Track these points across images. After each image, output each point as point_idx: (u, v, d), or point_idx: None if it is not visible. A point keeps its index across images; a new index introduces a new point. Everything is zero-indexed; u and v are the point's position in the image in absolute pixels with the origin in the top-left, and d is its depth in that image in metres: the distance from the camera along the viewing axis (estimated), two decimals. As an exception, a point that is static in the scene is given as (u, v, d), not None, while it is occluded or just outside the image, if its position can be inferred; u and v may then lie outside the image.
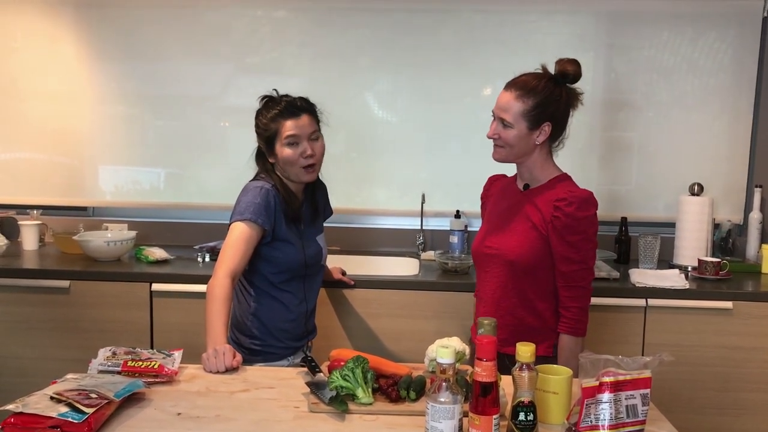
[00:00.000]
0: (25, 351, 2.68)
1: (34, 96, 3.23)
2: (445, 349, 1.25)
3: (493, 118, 1.92)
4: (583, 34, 3.13)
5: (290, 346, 2.08)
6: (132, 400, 1.47)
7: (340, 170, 3.15)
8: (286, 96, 2.03)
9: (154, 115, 3.26)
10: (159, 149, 3.26)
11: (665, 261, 2.98)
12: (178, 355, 1.69)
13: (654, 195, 3.19)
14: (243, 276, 2.02)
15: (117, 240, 2.81)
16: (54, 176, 3.28)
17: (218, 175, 3.23)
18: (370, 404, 1.49)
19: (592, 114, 3.14)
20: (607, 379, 1.30)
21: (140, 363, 1.61)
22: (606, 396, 1.30)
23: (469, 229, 3.10)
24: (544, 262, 1.88)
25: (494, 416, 1.24)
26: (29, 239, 3.03)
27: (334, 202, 2.30)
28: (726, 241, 3.09)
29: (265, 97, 2.05)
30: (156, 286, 2.63)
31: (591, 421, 1.30)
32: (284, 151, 1.98)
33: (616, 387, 1.30)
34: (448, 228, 3.11)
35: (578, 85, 1.93)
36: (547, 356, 1.87)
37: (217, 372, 1.67)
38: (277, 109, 1.98)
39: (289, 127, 1.97)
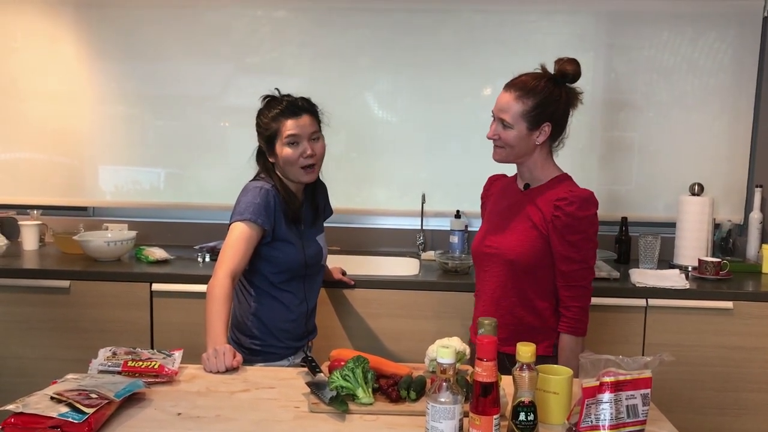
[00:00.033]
0: (25, 351, 2.68)
1: (34, 96, 3.23)
2: (446, 349, 1.24)
3: (492, 119, 1.92)
4: (583, 34, 3.13)
5: (290, 346, 2.08)
6: (132, 400, 1.47)
7: (341, 170, 3.15)
8: (288, 96, 2.03)
9: (154, 115, 3.26)
10: (159, 149, 3.26)
11: (665, 261, 2.98)
12: (178, 355, 1.69)
13: (654, 195, 3.19)
14: (243, 276, 2.02)
15: (117, 240, 2.81)
16: (54, 176, 3.28)
17: (218, 175, 3.23)
18: (371, 404, 1.49)
19: (593, 114, 3.14)
20: (607, 379, 1.30)
21: (140, 363, 1.61)
22: (606, 396, 1.29)
23: (469, 229, 3.10)
24: (544, 261, 1.88)
25: (495, 416, 1.24)
26: (29, 239, 3.03)
27: (334, 202, 2.29)
28: (726, 241, 3.09)
29: (267, 96, 2.05)
30: (156, 286, 2.63)
31: (591, 421, 1.30)
32: (284, 151, 1.97)
33: (617, 387, 1.30)
34: (449, 228, 3.11)
35: (578, 85, 1.93)
36: (546, 356, 1.87)
37: (218, 372, 1.67)
38: (278, 109, 1.98)
39: (289, 126, 1.97)
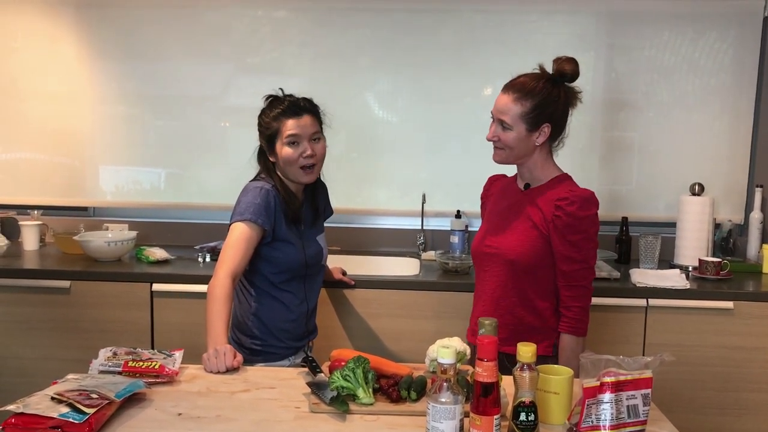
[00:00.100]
0: (25, 351, 2.68)
1: (34, 96, 3.23)
2: (446, 350, 1.24)
3: (492, 120, 1.92)
4: (583, 34, 3.13)
5: (291, 346, 2.08)
6: (133, 400, 1.47)
7: (341, 170, 3.15)
8: (290, 96, 2.03)
9: (155, 115, 3.26)
10: (159, 149, 3.26)
11: (666, 261, 2.98)
12: (178, 355, 1.69)
13: (655, 195, 3.19)
14: (244, 276, 2.02)
15: (117, 240, 2.81)
16: (54, 176, 3.28)
17: (218, 175, 3.23)
18: (371, 404, 1.49)
19: (593, 114, 3.14)
20: (608, 379, 1.30)
21: (141, 363, 1.61)
22: (607, 396, 1.29)
23: (469, 229, 3.10)
24: (545, 261, 1.88)
25: (495, 416, 1.24)
26: (30, 239, 3.03)
27: (335, 202, 2.29)
28: (727, 241, 3.08)
29: (269, 96, 2.05)
30: (156, 287, 2.63)
31: (592, 422, 1.30)
32: (284, 150, 1.98)
33: (617, 387, 1.30)
34: (449, 228, 3.11)
35: (578, 85, 1.92)
36: (546, 356, 1.87)
37: (218, 372, 1.67)
38: (280, 108, 1.99)
39: (290, 126, 1.97)
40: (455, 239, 3.07)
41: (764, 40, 3.08)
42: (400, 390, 1.52)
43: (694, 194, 2.93)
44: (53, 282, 2.65)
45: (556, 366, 1.48)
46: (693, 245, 2.90)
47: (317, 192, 2.17)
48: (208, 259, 2.86)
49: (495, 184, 2.13)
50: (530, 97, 1.85)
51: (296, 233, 2.05)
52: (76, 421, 1.28)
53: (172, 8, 3.17)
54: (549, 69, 1.90)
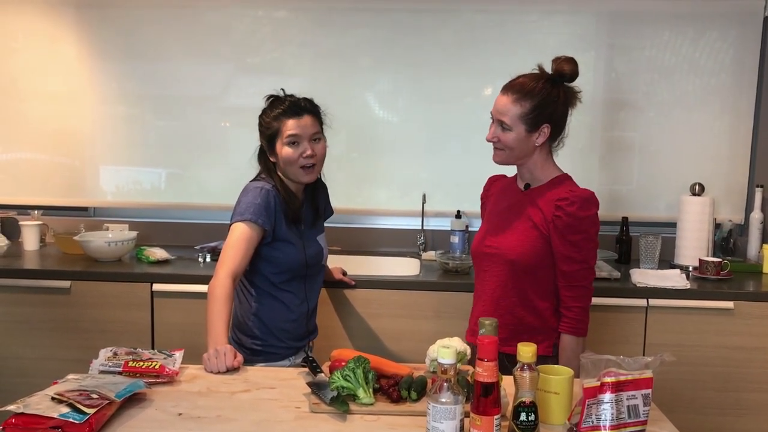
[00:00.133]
0: (25, 351, 2.68)
1: (34, 96, 3.23)
2: (447, 350, 1.24)
3: (491, 121, 1.92)
4: (583, 34, 3.13)
5: (291, 346, 2.08)
6: (133, 400, 1.47)
7: (341, 170, 3.15)
8: (291, 96, 2.03)
9: (155, 115, 3.26)
10: (160, 149, 3.26)
11: (666, 261, 2.98)
12: (179, 355, 1.69)
13: (655, 195, 3.19)
14: (244, 276, 2.02)
15: (118, 240, 2.81)
16: (55, 176, 3.28)
17: (219, 175, 3.23)
18: (372, 405, 1.49)
19: (593, 114, 3.14)
20: (608, 379, 1.30)
21: (141, 363, 1.61)
22: (607, 396, 1.29)
23: (470, 229, 3.10)
24: (545, 261, 1.88)
25: (495, 416, 1.24)
26: (30, 239, 3.03)
27: (335, 202, 2.29)
28: (727, 241, 3.08)
29: (271, 96, 2.05)
30: (157, 287, 2.63)
31: (592, 422, 1.30)
32: (284, 150, 1.98)
33: (618, 387, 1.30)
34: (449, 228, 3.11)
35: (578, 85, 1.92)
36: (546, 356, 1.87)
37: (218, 372, 1.67)
38: (280, 108, 1.99)
39: (290, 126, 1.97)
40: (455, 239, 3.07)
41: (764, 40, 3.08)
42: (400, 390, 1.52)
43: (694, 194, 2.93)
44: (53, 282, 2.65)
45: (556, 366, 1.48)
46: (693, 245, 2.90)
47: (317, 192, 2.17)
48: (208, 259, 2.86)
49: (495, 184, 2.13)
50: (529, 97, 1.85)
51: (296, 233, 2.05)
52: (76, 421, 1.28)
53: (173, 8, 3.17)
54: (548, 69, 1.90)
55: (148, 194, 3.29)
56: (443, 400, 1.24)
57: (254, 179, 2.07)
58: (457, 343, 1.65)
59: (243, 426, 1.39)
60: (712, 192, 3.04)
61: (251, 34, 3.20)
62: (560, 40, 3.12)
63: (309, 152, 1.98)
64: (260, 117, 2.04)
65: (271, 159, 2.04)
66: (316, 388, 1.53)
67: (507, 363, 1.62)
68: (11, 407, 1.30)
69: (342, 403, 1.46)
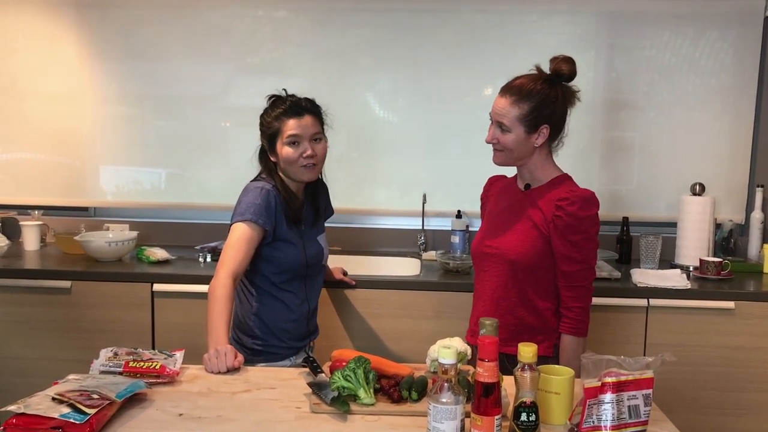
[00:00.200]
0: (26, 351, 2.68)
1: (34, 96, 3.23)
2: (447, 350, 1.24)
3: (491, 122, 1.92)
4: (583, 34, 3.13)
5: (292, 346, 2.08)
6: (134, 400, 1.47)
7: (341, 170, 3.15)
8: (293, 96, 2.03)
9: (155, 115, 3.26)
10: (160, 149, 3.26)
11: (667, 261, 2.98)
12: (179, 355, 1.69)
13: (655, 195, 3.19)
14: (245, 276, 2.02)
15: (118, 240, 2.81)
16: (55, 176, 3.28)
17: (219, 175, 3.23)
18: (372, 405, 1.49)
19: (593, 114, 3.14)
20: (609, 379, 1.30)
21: (142, 363, 1.61)
22: (608, 396, 1.29)
23: (470, 229, 3.10)
24: (545, 261, 1.88)
25: (496, 417, 1.24)
26: (30, 240, 3.03)
27: (335, 202, 2.29)
28: (727, 241, 3.08)
29: (272, 95, 2.05)
30: (157, 287, 2.63)
31: (593, 422, 1.30)
32: (284, 150, 1.98)
33: (619, 387, 1.30)
34: (450, 228, 3.11)
35: (578, 85, 1.92)
36: (547, 356, 1.87)
37: (219, 372, 1.67)
38: (281, 108, 1.99)
39: (291, 126, 1.97)
40: (456, 239, 3.07)
41: (765, 40, 3.08)
42: (401, 390, 1.52)
43: (694, 194, 2.93)
44: (54, 282, 2.65)
45: (557, 366, 1.47)
46: (694, 245, 2.90)
47: (318, 192, 2.17)
48: (208, 260, 2.86)
49: (495, 184, 2.13)
50: (528, 99, 1.84)
51: (297, 233, 2.05)
52: (77, 422, 1.28)
53: (173, 8, 3.17)
54: (546, 69, 1.90)
55: (148, 194, 3.29)
56: (444, 400, 1.23)
57: (255, 179, 2.07)
58: (458, 344, 1.65)
59: (244, 426, 1.39)
60: (713, 192, 3.04)
61: (251, 34, 3.20)
62: (560, 40, 3.12)
63: (309, 152, 1.98)
64: (261, 116, 2.04)
65: (272, 159, 2.04)
66: (317, 388, 1.53)
67: (507, 363, 1.62)
68: (12, 407, 1.30)
69: (343, 403, 1.46)
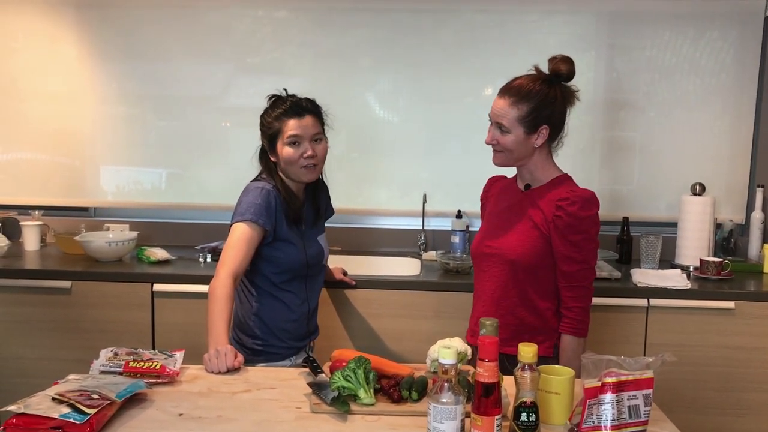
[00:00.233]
0: (26, 351, 2.68)
1: (35, 96, 3.23)
2: (447, 350, 1.24)
3: (490, 123, 1.92)
4: (584, 33, 3.13)
5: (292, 346, 2.08)
6: (134, 400, 1.47)
7: (342, 170, 3.15)
8: (293, 96, 2.03)
9: (155, 115, 3.26)
10: (160, 149, 3.26)
11: (667, 261, 2.98)
12: (179, 355, 1.69)
13: (656, 195, 3.19)
14: (245, 276, 2.02)
15: (118, 240, 2.81)
16: (55, 177, 3.28)
17: (219, 175, 3.23)
18: (372, 405, 1.49)
19: (594, 114, 3.14)
20: (609, 379, 1.30)
21: (142, 364, 1.61)
22: (608, 396, 1.29)
23: (470, 229, 3.10)
24: (545, 261, 1.88)
25: (496, 417, 1.24)
26: (31, 240, 3.03)
27: (336, 202, 2.29)
28: (728, 241, 3.08)
29: (273, 95, 2.05)
30: (157, 287, 2.63)
31: (593, 422, 1.30)
32: (285, 150, 1.98)
33: (619, 387, 1.30)
34: (450, 228, 3.11)
35: (578, 85, 1.92)
36: (547, 356, 1.87)
37: (219, 372, 1.67)
38: (282, 108, 1.99)
39: (291, 126, 1.97)
40: (456, 239, 3.07)
41: (765, 40, 3.08)
42: (401, 390, 1.52)
43: (695, 194, 2.93)
44: (54, 282, 2.65)
45: (557, 366, 1.47)
46: (694, 245, 2.90)
47: (318, 192, 2.17)
48: (209, 260, 2.86)
49: (495, 185, 2.13)
50: (527, 100, 1.84)
51: (297, 233, 2.05)
52: (77, 422, 1.28)
53: (173, 8, 3.17)
54: (544, 68, 1.90)
55: (148, 194, 3.29)
56: (444, 400, 1.23)
57: (255, 179, 2.07)
58: (458, 344, 1.65)
59: (244, 426, 1.39)
60: (713, 192, 3.04)
61: (251, 34, 3.20)
62: (560, 40, 3.12)
63: (310, 152, 1.98)
64: (262, 116, 2.04)
65: (272, 159, 2.04)
66: (317, 388, 1.53)
67: (507, 364, 1.62)
68: (12, 407, 1.30)
69: (343, 403, 1.46)
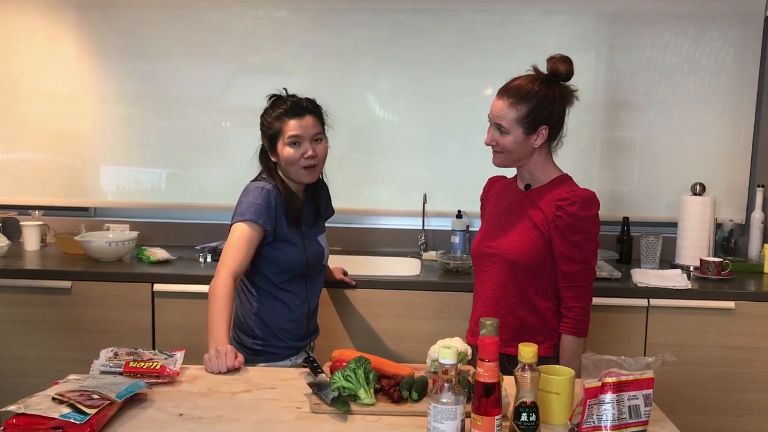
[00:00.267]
0: (26, 351, 2.68)
1: (35, 96, 3.23)
2: (447, 350, 1.24)
3: (489, 124, 1.92)
4: (584, 33, 3.13)
5: (293, 346, 2.08)
6: (134, 400, 1.47)
7: (342, 170, 3.15)
8: (293, 96, 2.03)
9: (155, 115, 3.26)
10: (160, 149, 3.26)
11: (667, 261, 2.98)
12: (179, 355, 1.69)
13: (656, 195, 3.19)
14: (245, 276, 2.02)
15: (118, 240, 2.81)
16: (55, 177, 3.28)
17: (219, 175, 3.23)
18: (372, 405, 1.49)
19: (594, 114, 3.14)
20: (609, 379, 1.30)
21: (142, 364, 1.61)
22: (608, 396, 1.29)
23: (470, 229, 3.10)
24: (545, 261, 1.88)
25: (496, 417, 1.24)
26: (31, 240, 3.03)
27: (336, 202, 2.29)
28: (728, 241, 3.08)
29: (273, 95, 2.05)
30: (158, 287, 2.63)
31: (593, 422, 1.30)
32: (286, 151, 1.98)
33: (619, 387, 1.30)
34: (450, 228, 3.11)
35: (578, 84, 1.92)
36: (547, 356, 1.87)
37: (219, 372, 1.67)
38: (282, 108, 1.99)
39: (292, 126, 1.97)
40: (456, 239, 3.07)
41: (765, 40, 3.08)
42: (401, 390, 1.52)
43: (695, 194, 2.93)
44: (54, 282, 2.65)
45: (557, 366, 1.47)
46: (694, 245, 2.90)
47: (318, 192, 2.17)
48: (209, 260, 2.86)
49: (494, 185, 2.13)
50: (525, 101, 1.84)
51: (297, 233, 2.05)
52: (77, 422, 1.28)
53: (173, 8, 3.17)
54: (542, 68, 1.90)
55: (148, 194, 3.29)
56: (444, 400, 1.23)
57: (255, 179, 2.07)
58: (458, 344, 1.65)
59: (244, 426, 1.39)
60: (713, 192, 3.04)
61: (251, 34, 3.20)
62: (560, 40, 3.12)
63: (310, 153, 1.98)
64: (262, 117, 2.04)
65: (273, 159, 2.04)
66: (317, 388, 1.53)
67: (507, 364, 1.62)
68: (12, 408, 1.30)
69: (343, 403, 1.46)
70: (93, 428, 1.29)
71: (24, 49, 3.22)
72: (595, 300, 1.97)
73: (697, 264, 2.83)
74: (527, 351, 1.29)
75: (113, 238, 2.86)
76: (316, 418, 1.44)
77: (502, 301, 1.92)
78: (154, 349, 1.99)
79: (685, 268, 2.88)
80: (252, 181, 2.07)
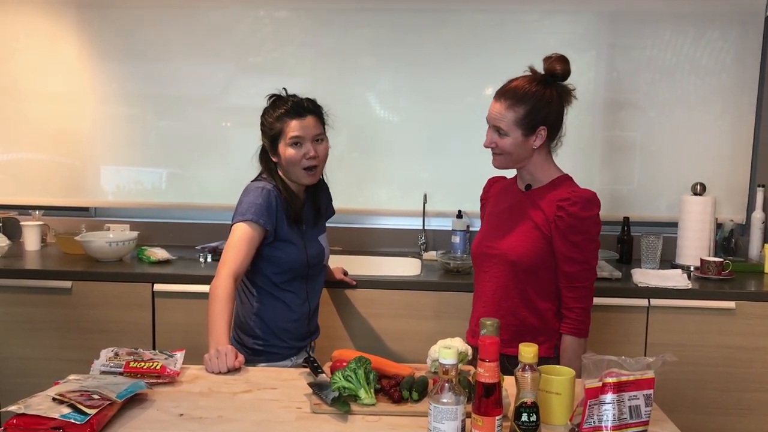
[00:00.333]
0: (26, 351, 2.68)
1: (35, 96, 3.23)
2: (448, 350, 1.24)
3: (488, 126, 1.92)
4: (584, 33, 3.13)
5: (293, 346, 2.08)
6: (134, 401, 1.47)
7: (342, 170, 3.14)
8: (294, 96, 2.03)
9: (156, 115, 3.26)
10: (160, 149, 3.26)
11: (668, 261, 2.97)
12: (180, 355, 1.69)
13: (656, 195, 3.18)
14: (245, 276, 2.02)
15: (119, 240, 2.81)
16: (56, 177, 3.28)
17: (220, 175, 3.23)
18: (373, 405, 1.49)
19: (594, 113, 3.14)
20: (610, 379, 1.30)
21: (142, 364, 1.61)
22: (609, 397, 1.29)
23: (471, 229, 3.10)
24: (546, 262, 1.88)
25: (497, 417, 1.24)
26: (31, 240, 3.03)
27: (336, 202, 2.29)
28: (728, 241, 3.08)
29: (273, 95, 2.05)
30: (158, 287, 2.63)
31: (594, 422, 1.30)
32: (287, 151, 1.97)
33: (619, 388, 1.30)
34: (450, 228, 3.11)
35: (578, 84, 1.91)
36: (548, 357, 1.87)
37: (219, 373, 1.67)
38: (283, 109, 1.98)
39: (293, 127, 1.97)
40: (456, 239, 3.07)
41: (766, 40, 3.08)
42: (401, 390, 1.51)
43: (695, 194, 2.92)
44: (54, 282, 2.65)
45: (557, 366, 1.47)
46: (695, 245, 2.90)
47: (319, 192, 2.17)
48: (209, 260, 2.86)
49: (494, 185, 2.13)
50: (523, 102, 1.84)
51: (298, 233, 2.04)
52: (77, 422, 1.28)
53: (173, 8, 3.17)
54: (539, 68, 1.89)
55: (148, 194, 3.29)
56: (445, 400, 1.23)
57: (255, 179, 2.07)
58: (459, 344, 1.65)
59: (244, 426, 1.39)
60: (714, 192, 3.04)
61: (252, 34, 3.20)
62: (561, 39, 3.12)
63: (312, 153, 1.98)
64: (262, 117, 2.04)
65: (273, 159, 2.04)
66: (318, 388, 1.52)
67: (507, 364, 1.61)
68: (12, 408, 1.30)
69: (343, 403, 1.46)
70: (93, 428, 1.29)
71: (24, 49, 3.22)
72: (596, 300, 1.97)
73: (698, 264, 2.83)
74: (528, 351, 1.29)
75: (113, 238, 2.86)
76: (317, 418, 1.44)
77: (503, 301, 1.92)
78: (154, 349, 1.99)
79: (685, 268, 2.88)
80: (252, 181, 2.07)
